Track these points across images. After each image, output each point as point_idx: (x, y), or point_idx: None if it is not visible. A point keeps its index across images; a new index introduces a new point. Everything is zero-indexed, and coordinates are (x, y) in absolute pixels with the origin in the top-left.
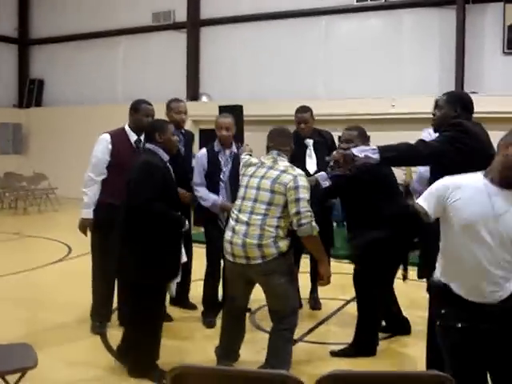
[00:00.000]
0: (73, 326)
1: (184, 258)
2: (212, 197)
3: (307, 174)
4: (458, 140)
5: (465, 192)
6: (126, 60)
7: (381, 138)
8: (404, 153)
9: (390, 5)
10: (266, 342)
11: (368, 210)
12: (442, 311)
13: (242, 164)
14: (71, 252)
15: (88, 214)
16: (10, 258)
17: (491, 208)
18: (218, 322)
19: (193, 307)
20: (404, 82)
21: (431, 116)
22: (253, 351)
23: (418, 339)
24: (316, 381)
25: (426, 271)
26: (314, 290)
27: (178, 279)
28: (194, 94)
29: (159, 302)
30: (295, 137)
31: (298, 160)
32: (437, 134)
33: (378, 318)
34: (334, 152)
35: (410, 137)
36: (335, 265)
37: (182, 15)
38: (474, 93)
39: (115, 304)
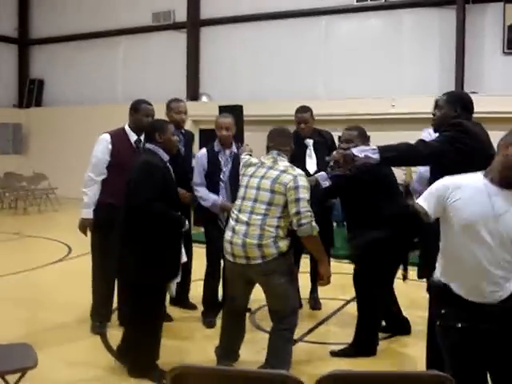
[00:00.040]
0: (73, 326)
1: (184, 258)
2: (212, 197)
3: (307, 174)
4: (458, 140)
5: (465, 192)
6: (126, 60)
7: (381, 138)
8: (404, 153)
9: (389, 5)
10: (266, 342)
11: (368, 209)
12: (442, 311)
13: (241, 164)
14: (71, 252)
15: (88, 213)
16: (10, 258)
17: (491, 208)
18: (218, 322)
19: (193, 307)
20: (404, 82)
21: (431, 116)
22: (253, 351)
23: (417, 339)
24: (316, 381)
25: (425, 271)
26: (313, 290)
27: (178, 279)
28: (194, 93)
29: (159, 302)
30: (295, 137)
31: (297, 160)
32: (437, 134)
33: (377, 318)
34: (334, 152)
35: (410, 137)
36: (335, 265)
37: (182, 15)
38: (473, 93)
39: (115, 304)
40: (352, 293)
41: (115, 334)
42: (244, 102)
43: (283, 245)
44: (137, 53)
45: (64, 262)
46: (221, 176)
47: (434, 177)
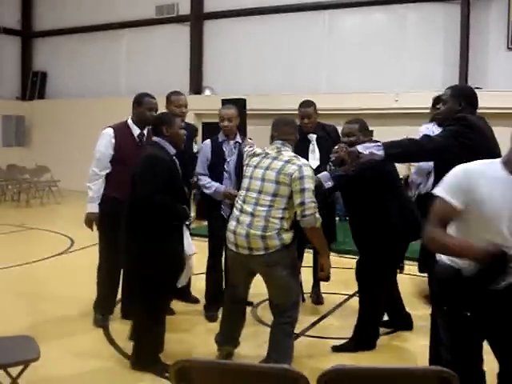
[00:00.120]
0: (75, 319)
1: (193, 250)
2: (215, 184)
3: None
4: (462, 134)
5: (488, 183)
6: (130, 53)
7: (384, 133)
8: (408, 148)
9: None
10: (267, 336)
11: (374, 208)
12: (450, 297)
13: (245, 154)
14: (74, 245)
15: (93, 208)
16: (12, 251)
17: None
18: (220, 315)
19: (195, 301)
20: (408, 77)
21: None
22: (254, 345)
23: (419, 335)
24: (319, 376)
25: (427, 265)
26: (316, 285)
27: (187, 274)
28: (197, 87)
29: (166, 296)
30: (298, 131)
31: (300, 155)
32: (435, 128)
33: (379, 312)
34: (336, 146)
35: (414, 132)
36: (337, 259)
37: (185, 8)
38: (478, 88)
39: (118, 297)
40: (354, 287)
41: (118, 327)
42: (247, 95)
43: (287, 237)
44: (140, 46)
45: (67, 255)
46: (225, 166)
47: (438, 172)
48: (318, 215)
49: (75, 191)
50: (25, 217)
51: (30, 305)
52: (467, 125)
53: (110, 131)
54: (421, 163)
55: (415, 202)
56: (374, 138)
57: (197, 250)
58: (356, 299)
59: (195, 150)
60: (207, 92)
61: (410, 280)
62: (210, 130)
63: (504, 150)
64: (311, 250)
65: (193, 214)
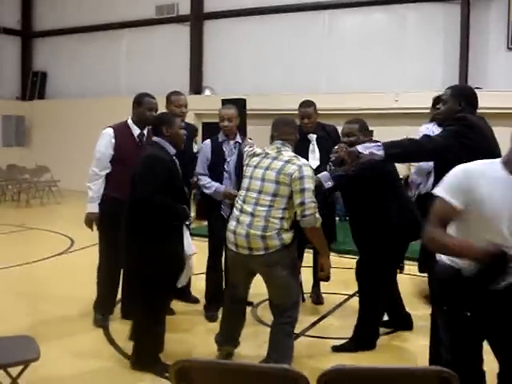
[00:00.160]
0: (75, 319)
1: (193, 250)
2: (214, 184)
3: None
4: (462, 134)
5: (488, 183)
6: (130, 53)
7: (384, 133)
8: (408, 148)
9: None
10: (267, 336)
11: (374, 208)
12: (450, 297)
13: (245, 154)
14: (74, 245)
15: (93, 208)
16: (12, 251)
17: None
18: (220, 316)
19: (195, 301)
20: (408, 77)
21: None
22: (254, 345)
23: (419, 335)
24: (319, 376)
25: (427, 265)
26: (316, 285)
27: (187, 273)
28: (197, 87)
29: (166, 296)
30: (298, 131)
31: (300, 155)
32: (435, 128)
33: (379, 312)
34: (336, 146)
35: (414, 132)
36: (337, 259)
37: (185, 8)
38: (478, 88)
39: (118, 297)
40: (354, 287)
41: (118, 327)
42: (247, 95)
43: (287, 237)
44: (140, 46)
45: (67, 255)
46: (225, 166)
47: (438, 172)
48: (318, 215)
49: (75, 191)
50: (25, 217)
51: (30, 305)
52: (467, 125)
53: (110, 131)
54: (421, 163)
55: (415, 202)
56: (373, 138)
57: (197, 250)
58: (356, 299)
59: (195, 150)
60: (207, 92)
61: (410, 280)
62: (210, 130)
63: (504, 150)
64: (311, 250)
65: (193, 214)
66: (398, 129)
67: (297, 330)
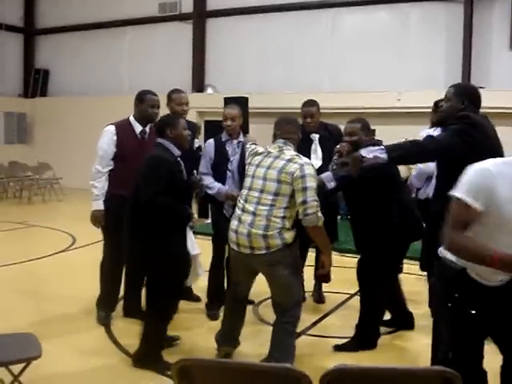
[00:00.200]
0: (77, 317)
1: (198, 250)
2: (217, 185)
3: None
4: (466, 133)
5: (506, 183)
6: (132, 51)
7: (386, 132)
8: (410, 150)
9: None
10: (269, 335)
11: (377, 209)
12: (456, 295)
13: (247, 153)
14: (75, 242)
15: (99, 205)
16: (14, 248)
17: None
18: (222, 314)
19: (197, 299)
20: (410, 76)
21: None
22: (256, 344)
23: (421, 334)
24: (322, 375)
25: (428, 263)
26: (318, 284)
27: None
28: (199, 85)
29: (172, 297)
30: (301, 131)
31: (303, 155)
32: (436, 133)
33: (379, 311)
34: (338, 145)
35: (416, 131)
36: (339, 259)
37: (188, 6)
38: (480, 88)
39: (120, 295)
40: (356, 286)
41: (120, 325)
42: (249, 94)
43: (288, 236)
44: (142, 43)
45: (68, 252)
46: (228, 165)
47: (441, 173)
48: (320, 214)
49: (77, 189)
50: (26, 214)
51: (32, 302)
52: (471, 123)
53: (112, 128)
54: (421, 167)
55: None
56: (375, 138)
57: (200, 250)
58: (358, 298)
59: (196, 145)
60: (209, 90)
61: (411, 279)
62: (212, 128)
63: (507, 150)
64: (314, 249)
65: (196, 215)
66: (400, 128)
67: (298, 329)
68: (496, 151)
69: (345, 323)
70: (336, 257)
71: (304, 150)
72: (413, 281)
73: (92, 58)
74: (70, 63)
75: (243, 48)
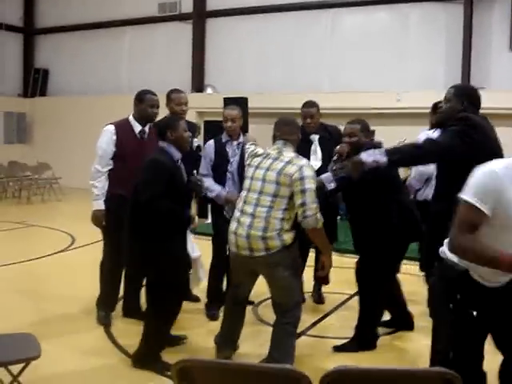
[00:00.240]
0: (76, 317)
1: (198, 253)
2: (217, 188)
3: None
4: (465, 134)
5: None
6: (132, 50)
7: (386, 133)
8: (410, 152)
9: None
10: (268, 335)
11: (376, 210)
12: (458, 296)
13: (247, 154)
14: (74, 242)
15: (100, 204)
16: (13, 248)
17: None
18: (221, 314)
19: (196, 299)
20: (410, 77)
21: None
22: (256, 344)
23: (420, 334)
24: (322, 376)
25: (428, 263)
26: (317, 284)
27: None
28: (199, 85)
29: (173, 298)
30: (301, 132)
31: (302, 156)
32: (435, 135)
33: (379, 312)
34: (338, 146)
35: (415, 132)
36: (338, 259)
37: (188, 6)
38: (480, 88)
39: (120, 295)
40: (355, 287)
41: (119, 325)
42: (249, 94)
43: (288, 237)
44: (142, 43)
45: (68, 252)
46: (228, 167)
47: (441, 173)
48: (319, 216)
49: (76, 188)
50: (26, 214)
51: (31, 302)
52: (471, 125)
53: (111, 128)
54: (421, 168)
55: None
56: (375, 139)
57: (200, 252)
58: (357, 299)
59: (195, 145)
60: (209, 90)
61: (410, 279)
62: (212, 128)
63: (506, 150)
64: (314, 250)
65: (196, 218)
66: (400, 128)
67: (298, 330)
68: (496, 152)
69: (344, 324)
70: (335, 257)
71: (304, 150)
72: (411, 281)
73: (92, 58)
74: (70, 63)
75: (243, 48)
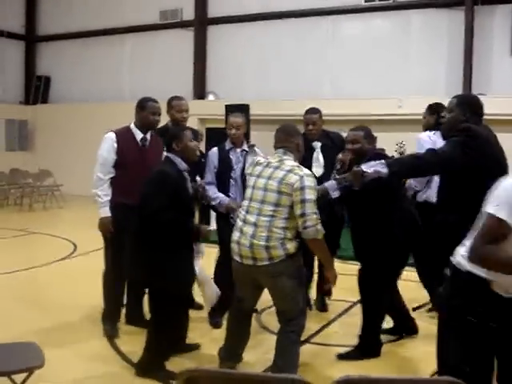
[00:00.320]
0: (79, 325)
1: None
2: (220, 196)
3: (313, 177)
4: (467, 145)
5: None
6: (133, 58)
7: (387, 139)
8: (411, 164)
9: (398, 5)
10: (272, 343)
11: (378, 219)
12: (478, 308)
13: (248, 163)
14: (76, 249)
15: (106, 212)
16: (15, 255)
17: None
18: (225, 322)
19: (198, 307)
20: (411, 83)
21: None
22: (260, 352)
23: (424, 341)
24: None
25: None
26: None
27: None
28: (200, 92)
29: (177, 309)
30: (303, 139)
31: (304, 163)
32: (436, 137)
33: (381, 319)
34: (340, 154)
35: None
36: (342, 266)
37: (189, 13)
38: (481, 94)
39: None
40: (358, 295)
41: (122, 333)
42: (250, 101)
43: (291, 246)
44: (144, 51)
45: (70, 260)
46: (231, 174)
47: (443, 184)
48: (319, 227)
49: (78, 196)
50: (27, 221)
51: (33, 310)
52: (473, 135)
53: (112, 135)
54: None
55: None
56: (377, 145)
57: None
58: (360, 306)
59: None
60: (210, 97)
61: (411, 285)
62: (214, 135)
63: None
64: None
65: (211, 228)
66: (402, 135)
67: (302, 338)
68: (499, 162)
69: (348, 331)
70: (339, 264)
71: (306, 158)
72: (412, 287)
73: (93, 66)
74: (71, 70)
75: (244, 55)
